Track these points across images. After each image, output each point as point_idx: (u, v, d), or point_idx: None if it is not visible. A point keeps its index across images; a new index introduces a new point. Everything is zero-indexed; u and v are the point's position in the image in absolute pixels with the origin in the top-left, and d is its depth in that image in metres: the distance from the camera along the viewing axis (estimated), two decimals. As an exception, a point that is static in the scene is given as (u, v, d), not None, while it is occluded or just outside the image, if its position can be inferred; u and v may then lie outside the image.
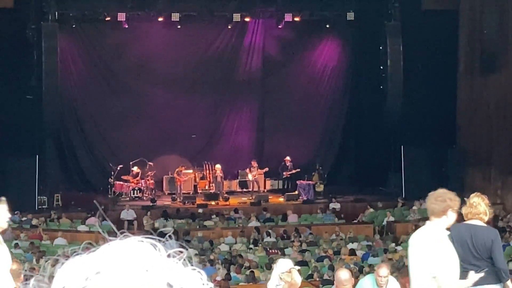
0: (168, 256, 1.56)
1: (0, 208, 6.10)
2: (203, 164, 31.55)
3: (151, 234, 1.59)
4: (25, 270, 8.35)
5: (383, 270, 9.66)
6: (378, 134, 31.72)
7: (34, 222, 25.69)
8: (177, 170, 30.29)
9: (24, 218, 26.11)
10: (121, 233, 1.63)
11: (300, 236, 24.45)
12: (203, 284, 1.56)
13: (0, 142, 28.21)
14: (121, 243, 1.55)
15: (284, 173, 31.05)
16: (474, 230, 7.97)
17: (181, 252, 1.58)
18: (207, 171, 31.41)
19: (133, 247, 1.54)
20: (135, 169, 30.11)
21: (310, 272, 18.69)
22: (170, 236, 1.65)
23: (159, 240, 1.57)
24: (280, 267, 8.62)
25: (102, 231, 1.78)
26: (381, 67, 30.64)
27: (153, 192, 30.38)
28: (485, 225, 8.12)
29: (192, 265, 1.57)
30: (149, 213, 26.97)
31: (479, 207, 7.99)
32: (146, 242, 1.55)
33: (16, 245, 21.82)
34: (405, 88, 29.87)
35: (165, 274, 1.51)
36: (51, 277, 1.54)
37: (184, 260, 1.57)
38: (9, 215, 6.03)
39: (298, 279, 8.69)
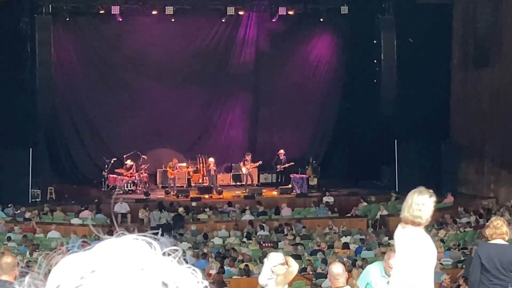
0: (163, 254, 1.56)
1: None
2: (196, 157, 31.55)
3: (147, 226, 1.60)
4: (19, 264, 8.33)
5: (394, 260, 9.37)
6: (372, 128, 31.75)
7: (28, 215, 25.64)
8: (169, 164, 30.30)
9: (17, 211, 26.07)
10: (117, 230, 1.63)
11: (294, 230, 24.47)
12: (198, 282, 1.57)
13: (-6, 135, 28.23)
14: (116, 241, 1.55)
15: (277, 166, 31.04)
16: (501, 249, 9.14)
17: (176, 250, 1.58)
18: (201, 165, 31.41)
19: (128, 245, 1.54)
20: (129, 162, 30.09)
21: (303, 266, 18.70)
22: (164, 231, 1.65)
23: (154, 237, 1.58)
24: (272, 260, 8.55)
25: (94, 228, 1.77)
26: (375, 61, 30.66)
27: (147, 185, 30.37)
28: (507, 243, 9.31)
29: (186, 261, 1.58)
30: (147, 208, 26.90)
31: (502, 228, 9.14)
32: (141, 240, 1.56)
33: (9, 238, 21.79)
34: (399, 82, 29.90)
35: (160, 273, 1.51)
36: (46, 274, 1.55)
37: (179, 258, 1.57)
38: None
39: (295, 266, 8.65)
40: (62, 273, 1.52)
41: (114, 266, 1.49)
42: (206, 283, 1.58)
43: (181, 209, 26.96)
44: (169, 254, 1.57)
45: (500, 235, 9.12)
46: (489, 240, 9.31)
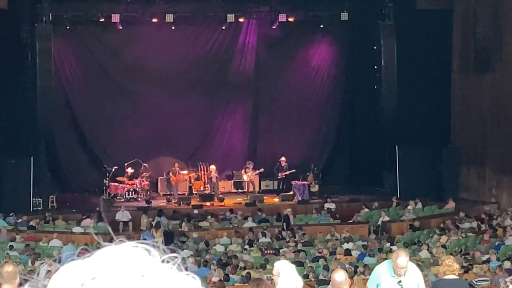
0: (162, 261, 1.56)
1: None
2: (197, 165, 31.53)
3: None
4: (21, 273, 8.32)
5: (402, 260, 8.84)
6: (373, 134, 31.73)
7: (29, 223, 25.64)
8: (172, 169, 30.33)
9: (19, 220, 26.08)
10: (117, 238, 1.63)
11: (295, 237, 24.45)
12: None
13: (-5, 144, 28.24)
14: (116, 248, 1.55)
15: (279, 173, 31.01)
16: (455, 284, 10.18)
17: (176, 257, 1.58)
18: (202, 172, 31.39)
19: (128, 252, 1.54)
20: (130, 170, 30.08)
21: (305, 273, 18.68)
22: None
23: (153, 245, 1.57)
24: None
25: (96, 236, 1.76)
26: (375, 67, 30.64)
27: (148, 193, 30.36)
28: (460, 278, 10.64)
29: (186, 268, 1.58)
30: (148, 212, 26.92)
31: (454, 265, 10.09)
32: (140, 247, 1.56)
33: (11, 247, 21.78)
34: (399, 88, 29.87)
35: (160, 280, 1.51)
36: (46, 281, 1.55)
37: (179, 265, 1.57)
38: None
39: None
40: (62, 280, 1.52)
41: (115, 273, 1.49)
42: None
43: (288, 210, 27.25)
44: (168, 262, 1.57)
45: (452, 271, 10.03)
46: (443, 276, 10.25)
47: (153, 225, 25.22)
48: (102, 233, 1.91)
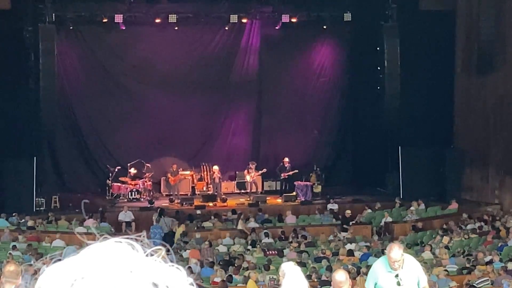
0: (147, 255, 1.57)
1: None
2: (200, 165, 31.54)
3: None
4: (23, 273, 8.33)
5: (395, 252, 8.64)
6: (376, 135, 31.71)
7: (32, 223, 25.65)
8: (170, 169, 30.36)
9: (22, 220, 26.07)
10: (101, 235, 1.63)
11: (298, 237, 24.43)
12: (184, 278, 1.57)
13: (-2, 144, 28.26)
14: (101, 245, 1.56)
15: (282, 174, 30.99)
16: None
17: (159, 249, 1.59)
18: (205, 173, 31.39)
19: (113, 248, 1.55)
20: (133, 170, 30.09)
21: (308, 273, 18.67)
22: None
23: (136, 239, 1.58)
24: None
25: (80, 235, 1.76)
26: (378, 68, 30.65)
27: (151, 193, 30.36)
28: None
29: (171, 260, 1.59)
30: (159, 211, 27.00)
31: None
32: (123, 243, 1.56)
33: (14, 247, 21.78)
34: (403, 89, 29.88)
35: (149, 274, 1.52)
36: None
37: (162, 257, 1.59)
38: None
39: None
40: (51, 281, 1.52)
41: (103, 270, 1.49)
42: (191, 279, 1.58)
43: (347, 212, 27.72)
44: (151, 255, 1.58)
45: None
46: None
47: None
48: (105, 234, 1.91)
